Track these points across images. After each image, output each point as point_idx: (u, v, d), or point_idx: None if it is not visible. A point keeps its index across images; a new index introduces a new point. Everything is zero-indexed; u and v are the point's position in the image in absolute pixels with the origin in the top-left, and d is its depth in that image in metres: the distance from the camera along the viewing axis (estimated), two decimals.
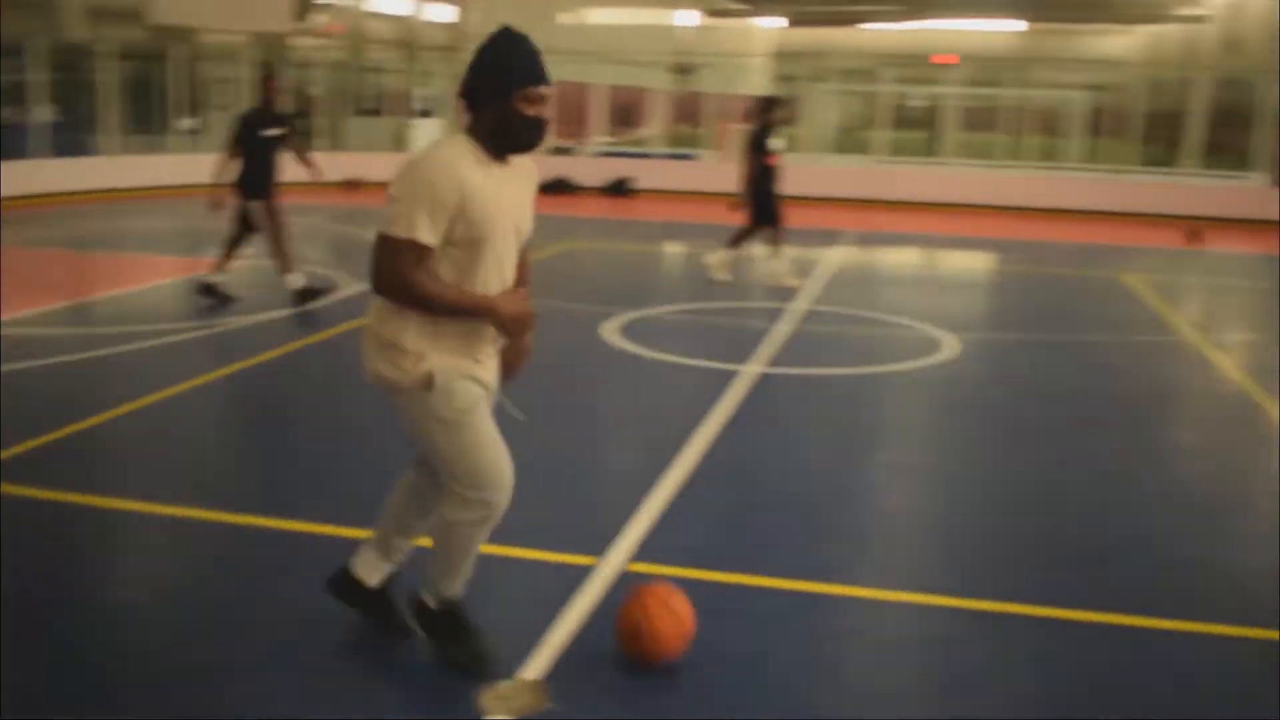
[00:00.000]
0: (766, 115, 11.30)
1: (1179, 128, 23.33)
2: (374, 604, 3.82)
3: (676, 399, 7.25)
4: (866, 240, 15.77)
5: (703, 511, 5.17)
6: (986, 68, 34.85)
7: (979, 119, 31.38)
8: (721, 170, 22.69)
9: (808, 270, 12.25)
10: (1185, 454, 6.64)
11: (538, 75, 3.29)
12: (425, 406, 3.37)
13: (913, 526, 5.29)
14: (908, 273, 14.24)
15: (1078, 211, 19.63)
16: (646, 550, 4.62)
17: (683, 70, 29.61)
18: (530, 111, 3.28)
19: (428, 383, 3.33)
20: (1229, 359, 8.86)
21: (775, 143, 11.29)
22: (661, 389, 7.54)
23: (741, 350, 8.31)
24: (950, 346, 8.80)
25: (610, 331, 8.89)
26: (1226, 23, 49.57)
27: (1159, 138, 29.05)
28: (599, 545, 4.61)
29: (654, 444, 6.16)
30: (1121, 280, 12.70)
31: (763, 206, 11.29)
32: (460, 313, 3.31)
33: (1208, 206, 19.26)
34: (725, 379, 7.46)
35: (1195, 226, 16.50)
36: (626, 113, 32.04)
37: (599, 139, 26.32)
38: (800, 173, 21.11)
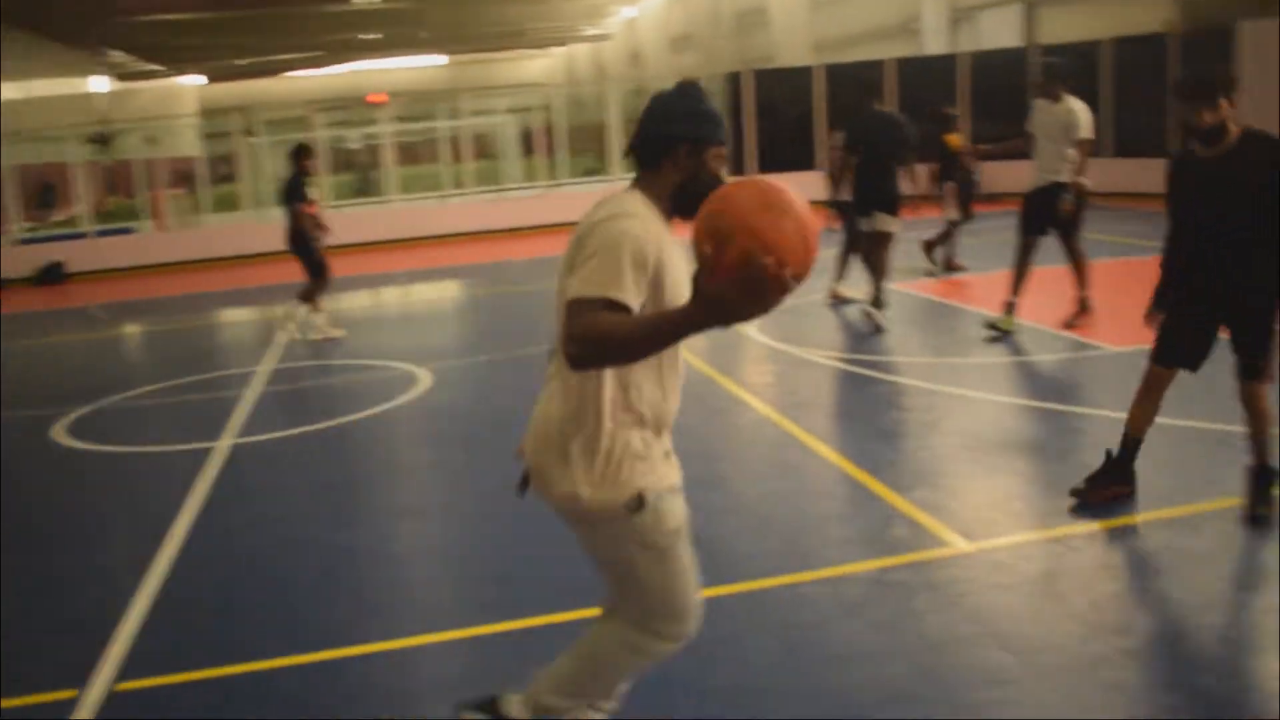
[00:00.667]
0: (301, 163, 11.08)
1: (604, 138, 25.12)
2: None
3: (146, 492, 6.71)
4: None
5: (189, 608, 4.83)
6: (418, 102, 35.74)
7: (420, 152, 32.01)
8: (160, 241, 21.50)
9: (281, 327, 11.87)
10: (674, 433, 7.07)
11: (723, 132, 2.94)
12: (630, 532, 2.85)
13: (410, 568, 5.26)
14: (373, 313, 14.18)
15: (525, 229, 20.54)
16: (134, 664, 4.23)
17: (101, 140, 27.75)
18: (718, 171, 2.90)
19: (637, 503, 2.82)
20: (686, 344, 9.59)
21: (313, 191, 11.14)
22: (127, 485, 6.96)
23: (212, 425, 7.85)
24: (424, 379, 8.87)
25: (61, 433, 8.08)
26: (625, 38, 54.09)
27: (588, 149, 31.10)
28: (80, 673, 4.16)
29: (127, 546, 5.69)
30: None
31: (311, 258, 11.10)
32: (678, 333, 2.57)
33: None
34: (197, 460, 7.02)
35: None
36: (49, 192, 29.48)
37: (19, 225, 23.99)
38: (245, 230, 20.53)
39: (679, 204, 2.90)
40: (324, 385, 9.41)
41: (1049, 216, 8.85)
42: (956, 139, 13.04)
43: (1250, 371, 4.76)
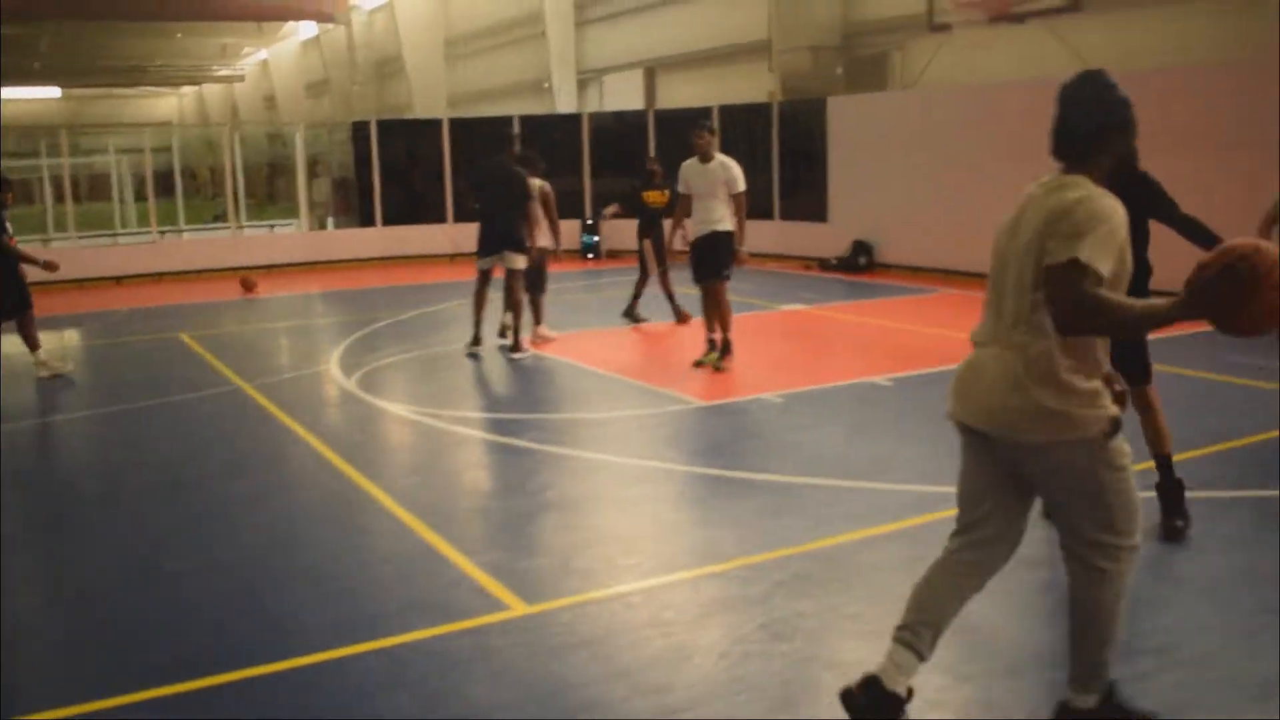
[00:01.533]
0: (1, 194, 10.35)
1: (225, 183, 24.02)
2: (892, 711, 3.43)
3: None
4: None
5: None
6: (24, 137, 32.99)
7: (20, 192, 29.58)
8: None
9: None
10: (250, 501, 6.67)
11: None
12: (1103, 455, 3.20)
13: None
14: None
15: (136, 276, 19.28)
16: None
17: None
18: (1135, 150, 3.42)
19: (1113, 428, 3.18)
20: (276, 399, 9.23)
21: (9, 225, 10.40)
22: None
23: None
24: None
25: None
26: (259, 81, 52.47)
27: (215, 193, 29.74)
28: None
29: None
30: (181, 339, 12.72)
31: (12, 292, 10.44)
32: (1163, 322, 3.01)
33: (264, 255, 20.12)
34: None
35: (248, 277, 17.15)
36: None
37: None
38: None
39: (1111, 187, 3.23)
40: None
41: (721, 259, 9.55)
42: (656, 195, 12.65)
43: (1144, 378, 5.28)
